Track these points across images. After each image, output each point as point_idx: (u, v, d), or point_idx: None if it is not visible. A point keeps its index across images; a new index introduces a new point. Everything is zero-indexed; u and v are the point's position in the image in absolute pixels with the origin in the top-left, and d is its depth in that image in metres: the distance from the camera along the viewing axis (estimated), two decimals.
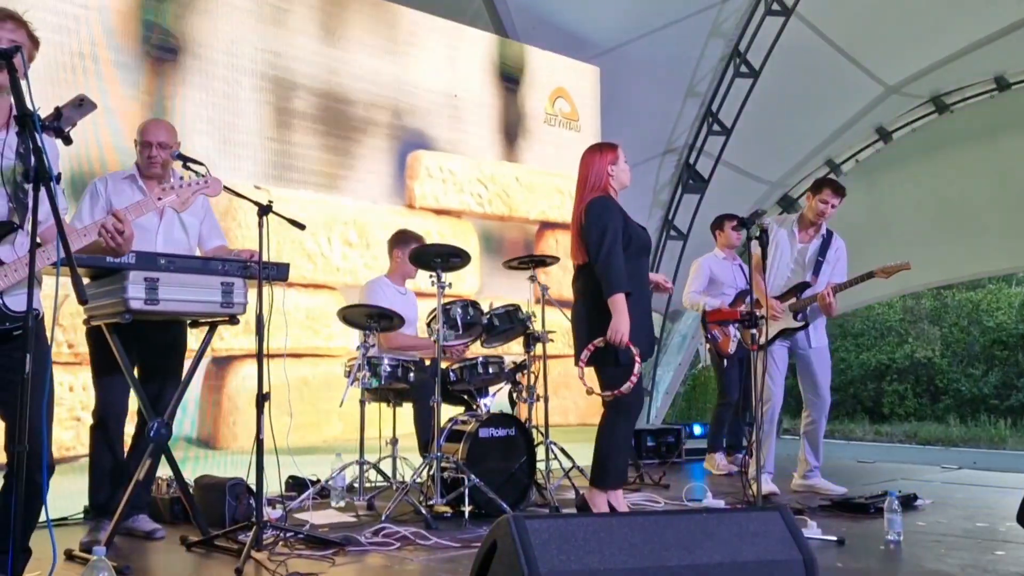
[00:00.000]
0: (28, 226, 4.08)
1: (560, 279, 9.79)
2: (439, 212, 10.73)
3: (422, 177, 10.61)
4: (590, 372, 6.62)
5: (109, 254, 5.23)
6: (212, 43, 8.91)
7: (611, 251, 6.54)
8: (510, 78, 11.78)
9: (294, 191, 9.30)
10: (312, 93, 9.68)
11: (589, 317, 6.66)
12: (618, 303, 6.43)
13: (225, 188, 6.02)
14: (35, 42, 4.58)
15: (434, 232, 10.35)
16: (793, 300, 8.25)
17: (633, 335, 6.43)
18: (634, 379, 6.38)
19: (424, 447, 7.80)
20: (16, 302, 4.35)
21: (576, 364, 6.61)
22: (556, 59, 12.33)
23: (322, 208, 9.33)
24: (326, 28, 9.90)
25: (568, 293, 7.12)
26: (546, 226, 11.82)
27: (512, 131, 11.75)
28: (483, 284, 10.89)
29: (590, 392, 6.55)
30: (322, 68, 9.81)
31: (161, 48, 8.53)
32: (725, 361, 10.04)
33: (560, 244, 11.34)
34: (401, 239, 8.61)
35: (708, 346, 10.54)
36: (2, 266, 4.36)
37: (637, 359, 6.39)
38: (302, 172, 9.41)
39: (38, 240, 3.98)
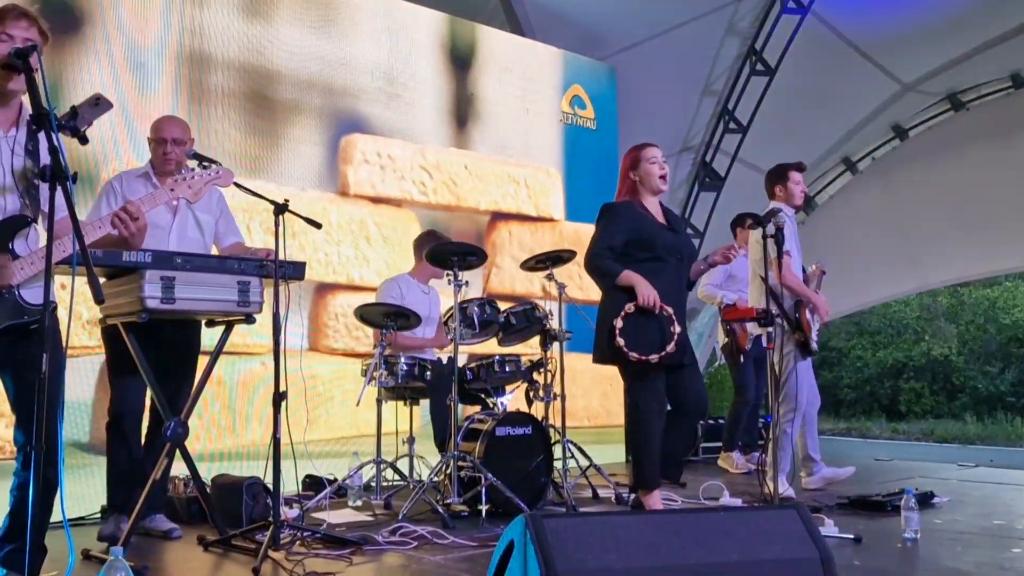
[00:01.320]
0: (42, 222, 4.10)
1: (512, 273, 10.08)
2: (376, 200, 10.02)
3: (357, 162, 9.92)
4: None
5: (123, 246, 5.25)
6: (116, 13, 8.21)
7: (594, 255, 6.65)
8: (461, 59, 11.13)
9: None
10: (232, 69, 8.98)
11: (605, 317, 6.65)
12: (627, 278, 6.46)
13: (238, 186, 6.02)
14: (45, 37, 4.58)
15: (370, 221, 9.92)
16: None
17: (642, 339, 6.43)
18: (675, 338, 6.33)
19: (441, 446, 7.80)
20: (33, 295, 4.37)
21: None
22: (572, 58, 12.26)
23: (242, 194, 8.27)
24: None
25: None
26: (499, 217, 11.14)
27: (462, 115, 11.12)
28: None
29: (639, 359, 6.42)
30: (244, 42, 9.11)
31: (56, 17, 7.49)
32: (741, 357, 10.03)
33: (514, 236, 11.05)
34: (428, 238, 8.58)
35: (723, 343, 10.53)
36: (18, 259, 4.37)
37: (674, 318, 6.35)
38: (220, 155, 8.01)
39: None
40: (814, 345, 8.06)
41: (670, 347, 6.34)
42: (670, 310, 6.39)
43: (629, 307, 6.40)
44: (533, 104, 11.78)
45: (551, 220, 11.68)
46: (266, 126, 9.20)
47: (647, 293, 6.36)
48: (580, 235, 11.06)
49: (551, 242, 11.22)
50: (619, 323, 6.39)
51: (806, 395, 8.20)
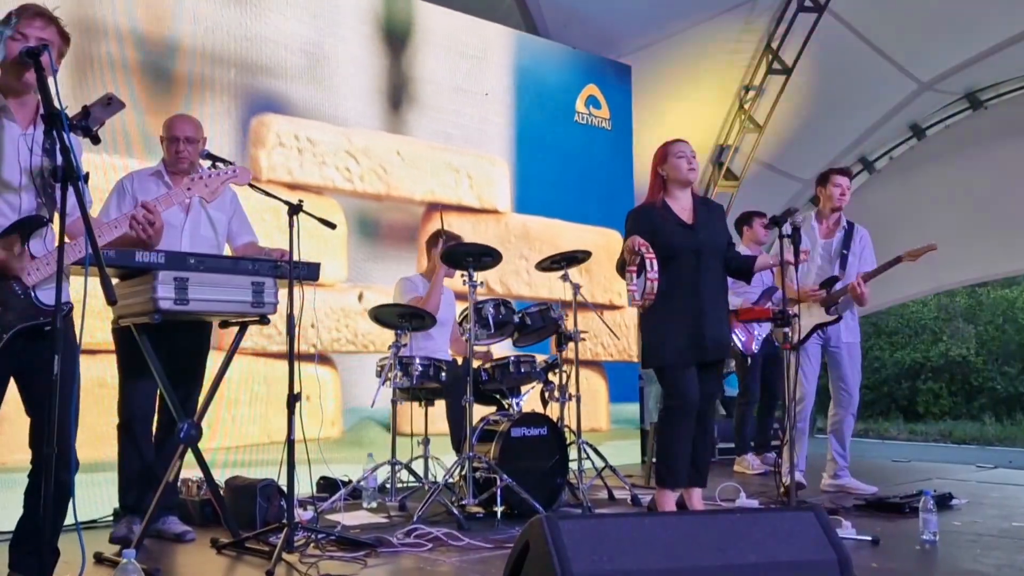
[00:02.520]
0: (57, 224, 4.08)
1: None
2: (293, 187, 8.94)
3: (271, 146, 9.00)
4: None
5: (139, 247, 5.25)
6: None
7: (619, 262, 6.81)
8: (397, 36, 10.26)
9: (99, 157, 7.48)
10: (125, 38, 8.07)
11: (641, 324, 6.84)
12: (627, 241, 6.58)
13: (253, 186, 6.02)
14: (65, 38, 4.59)
15: (284, 209, 8.62)
16: (823, 293, 8.22)
17: (661, 344, 6.57)
18: (651, 275, 6.33)
19: (456, 447, 7.78)
20: (48, 295, 4.34)
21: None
22: (588, 57, 12.25)
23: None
24: None
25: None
26: (436, 208, 9.97)
27: (397, 98, 10.25)
28: (352, 272, 9.48)
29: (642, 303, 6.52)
30: (139, 8, 8.19)
31: None
32: (749, 360, 10.02)
33: (453, 229, 9.55)
34: (439, 238, 8.56)
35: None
36: (33, 260, 4.37)
37: (648, 256, 6.35)
38: (109, 133, 7.40)
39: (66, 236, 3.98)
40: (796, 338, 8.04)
41: (648, 293, 6.37)
42: (651, 255, 6.38)
43: (631, 268, 6.51)
44: (483, 88, 11.12)
45: (495, 212, 10.99)
46: (165, 103, 8.17)
47: (631, 241, 6.46)
48: (528, 229, 11.06)
49: (496, 235, 10.72)
50: (631, 281, 6.53)
51: (810, 389, 8.39)
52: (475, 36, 11.08)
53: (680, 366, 6.56)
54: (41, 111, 4.43)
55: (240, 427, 8.31)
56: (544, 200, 11.36)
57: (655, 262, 6.33)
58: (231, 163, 5.81)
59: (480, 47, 11.12)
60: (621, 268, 6.70)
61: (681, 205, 6.84)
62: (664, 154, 6.93)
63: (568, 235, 11.27)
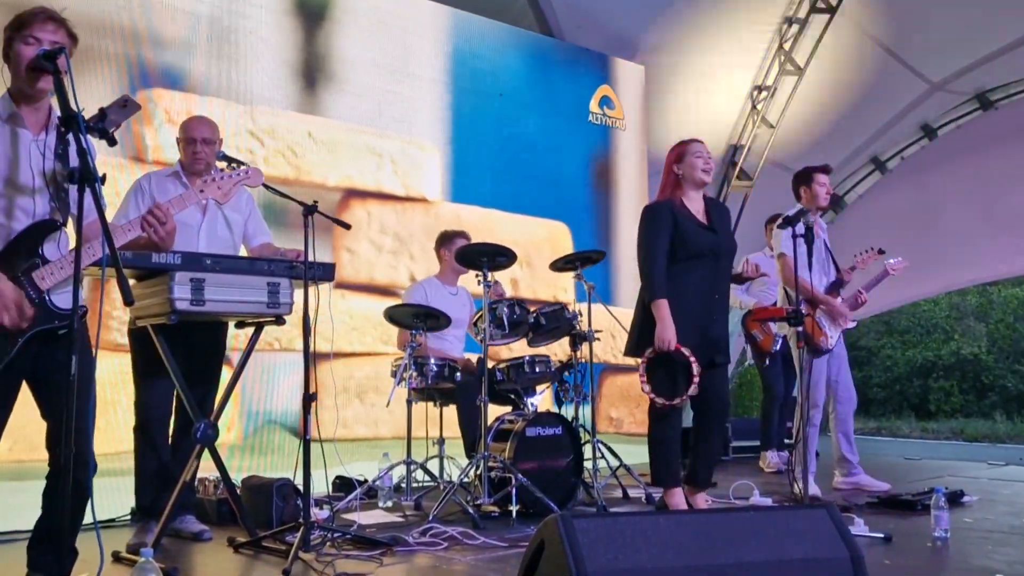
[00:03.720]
0: (72, 225, 4.10)
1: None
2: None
3: (158, 123, 8.23)
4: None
5: (153, 248, 5.27)
6: None
7: (646, 260, 6.78)
8: (312, 10, 9.51)
9: None
10: None
11: (642, 316, 6.81)
12: (657, 309, 6.59)
13: (267, 187, 6.03)
14: (74, 39, 4.60)
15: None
16: (840, 300, 8.23)
17: (681, 334, 6.52)
18: (696, 379, 6.38)
19: (470, 447, 7.80)
20: (63, 300, 4.36)
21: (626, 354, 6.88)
22: (601, 58, 12.22)
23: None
24: None
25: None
26: (353, 194, 9.58)
27: (311, 76, 9.47)
28: None
29: (662, 406, 6.71)
30: None
31: None
32: (767, 359, 10.03)
33: (374, 217, 9.49)
34: (446, 239, 8.58)
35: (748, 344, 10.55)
36: (48, 264, 4.38)
37: (692, 360, 6.40)
38: None
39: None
40: (825, 345, 8.05)
41: (692, 390, 6.48)
42: (687, 352, 6.48)
43: (649, 352, 6.63)
44: (413, 68, 10.32)
45: (423, 200, 10.24)
46: None
47: (663, 336, 6.52)
48: (463, 219, 10.26)
49: (423, 225, 10.06)
50: (642, 369, 6.67)
51: (821, 393, 8.27)
52: (406, 14, 10.35)
53: (684, 364, 6.56)
54: (53, 116, 4.47)
55: None
56: (482, 190, 10.79)
57: (698, 365, 6.45)
58: (245, 164, 5.82)
59: (413, 26, 10.40)
60: (647, 274, 6.74)
61: (695, 206, 6.86)
62: (681, 153, 6.93)
63: (508, 227, 10.70)
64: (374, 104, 9.93)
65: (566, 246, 11.13)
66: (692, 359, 6.43)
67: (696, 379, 6.41)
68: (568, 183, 11.73)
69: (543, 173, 11.40)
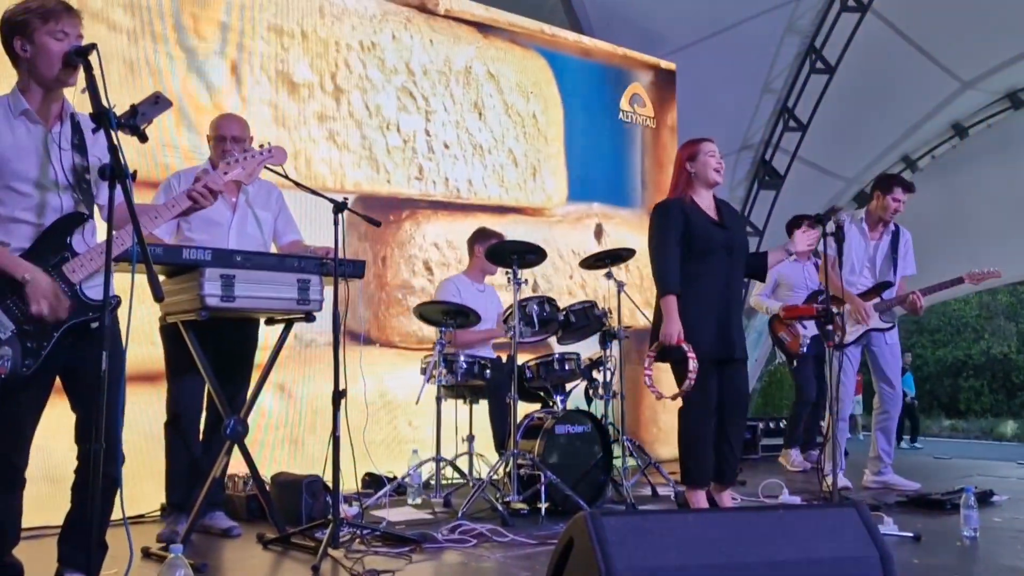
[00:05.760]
0: (97, 215, 4.11)
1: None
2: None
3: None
4: (663, 378, 6.77)
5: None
6: None
7: (656, 256, 6.75)
8: None
9: None
10: None
11: (657, 316, 6.80)
12: (665, 304, 6.58)
13: (298, 184, 6.04)
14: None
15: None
16: (877, 300, 8.20)
17: (690, 334, 6.49)
18: (691, 376, 6.35)
19: (500, 444, 7.80)
20: (96, 292, 4.35)
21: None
22: (632, 56, 12.18)
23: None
24: None
25: None
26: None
27: None
28: None
29: (659, 396, 6.80)
30: None
31: None
32: (795, 362, 10.01)
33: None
34: (480, 236, 8.58)
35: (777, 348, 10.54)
36: (77, 256, 4.38)
37: (690, 356, 6.37)
38: None
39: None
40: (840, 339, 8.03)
41: (686, 385, 6.42)
42: (687, 347, 6.45)
43: (654, 346, 6.65)
44: None
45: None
46: None
47: (667, 331, 6.51)
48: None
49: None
50: (647, 363, 6.69)
51: (850, 393, 8.38)
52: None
53: (706, 361, 6.52)
54: (66, 107, 4.47)
55: None
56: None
57: (695, 361, 6.41)
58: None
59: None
60: (659, 270, 6.71)
61: (706, 204, 6.84)
62: (694, 152, 6.87)
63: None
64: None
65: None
66: (691, 355, 6.40)
67: (692, 374, 6.38)
68: (597, 181, 11.72)
69: (573, 171, 11.38)
